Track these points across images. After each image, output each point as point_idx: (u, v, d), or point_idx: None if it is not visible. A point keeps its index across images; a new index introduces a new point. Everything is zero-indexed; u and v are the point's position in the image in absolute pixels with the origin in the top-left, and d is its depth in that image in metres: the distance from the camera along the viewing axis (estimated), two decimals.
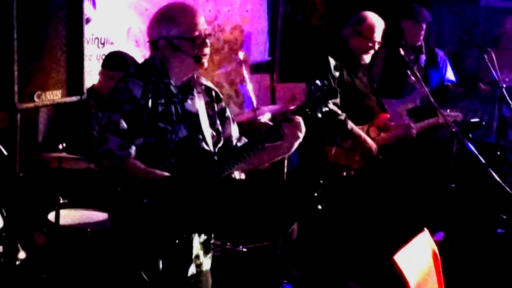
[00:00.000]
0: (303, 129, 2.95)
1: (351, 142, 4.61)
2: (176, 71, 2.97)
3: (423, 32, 5.60)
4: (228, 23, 6.13)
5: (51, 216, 4.06)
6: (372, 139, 4.68)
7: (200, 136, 2.97)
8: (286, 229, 3.85)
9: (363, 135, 4.62)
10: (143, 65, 3.06)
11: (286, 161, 4.54)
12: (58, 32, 3.02)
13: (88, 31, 4.86)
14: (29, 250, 4.11)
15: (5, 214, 3.91)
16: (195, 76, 3.05)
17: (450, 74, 5.78)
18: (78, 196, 4.28)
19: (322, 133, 4.60)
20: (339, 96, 4.54)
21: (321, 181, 3.73)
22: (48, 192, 4.29)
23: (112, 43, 5.21)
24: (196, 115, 2.99)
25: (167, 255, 2.88)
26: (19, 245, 3.88)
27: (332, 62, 4.59)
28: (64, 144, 4.07)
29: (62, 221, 4.01)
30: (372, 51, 4.74)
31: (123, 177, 2.90)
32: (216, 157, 2.98)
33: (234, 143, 3.13)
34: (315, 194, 4.44)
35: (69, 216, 4.17)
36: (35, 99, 2.92)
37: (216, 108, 3.11)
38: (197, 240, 2.98)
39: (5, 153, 3.85)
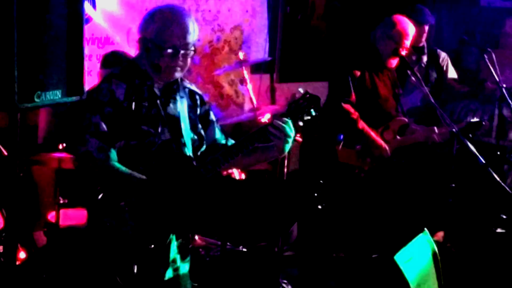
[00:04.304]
0: (292, 132, 2.91)
1: (362, 144, 4.61)
2: (154, 74, 2.93)
3: (425, 35, 5.60)
4: (228, 23, 6.12)
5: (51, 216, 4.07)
6: (387, 142, 4.68)
7: (182, 140, 2.95)
8: (286, 229, 3.85)
9: (374, 135, 4.62)
10: (127, 65, 3.01)
11: (286, 161, 4.54)
12: (58, 32, 3.02)
13: (88, 31, 4.86)
14: (29, 250, 4.11)
15: (5, 214, 3.90)
16: (178, 79, 3.00)
17: (452, 73, 5.77)
18: (78, 196, 4.28)
19: (332, 133, 4.61)
20: (354, 95, 4.60)
21: (321, 181, 3.73)
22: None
23: (112, 43, 5.21)
24: (177, 119, 2.96)
25: (143, 259, 2.84)
26: (19, 245, 3.89)
27: (355, 62, 4.63)
28: (64, 144, 4.08)
29: (62, 221, 4.01)
30: (399, 56, 4.73)
31: (102, 179, 2.86)
32: (195, 162, 2.94)
33: (220, 146, 3.10)
34: (315, 194, 4.45)
35: (69, 216, 4.17)
36: (35, 99, 2.92)
37: (198, 112, 3.08)
38: (174, 244, 2.95)
39: (5, 153, 3.86)
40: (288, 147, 2.94)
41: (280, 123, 2.88)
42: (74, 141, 2.89)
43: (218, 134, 3.13)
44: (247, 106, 6.06)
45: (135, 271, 2.83)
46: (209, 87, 6.20)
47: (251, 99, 4.99)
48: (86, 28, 4.83)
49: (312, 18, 6.69)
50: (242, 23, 6.21)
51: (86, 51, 4.79)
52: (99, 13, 5.08)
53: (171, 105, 2.97)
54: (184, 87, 3.05)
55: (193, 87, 3.11)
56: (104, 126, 2.81)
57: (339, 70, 4.70)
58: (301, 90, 2.98)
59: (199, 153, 3.03)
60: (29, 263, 4.07)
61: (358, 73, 4.62)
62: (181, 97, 3.02)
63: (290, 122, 2.90)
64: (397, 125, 4.77)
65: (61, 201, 4.07)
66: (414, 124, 4.91)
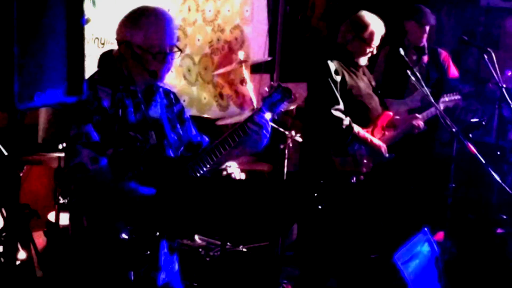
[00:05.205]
0: (269, 127, 3.00)
1: (356, 148, 4.58)
2: (136, 77, 2.92)
3: (426, 35, 5.59)
4: (228, 23, 6.13)
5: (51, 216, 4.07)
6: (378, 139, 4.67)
7: (166, 142, 2.95)
8: (286, 229, 3.85)
9: (370, 137, 4.59)
10: (109, 69, 2.97)
11: (286, 161, 4.53)
12: (58, 32, 3.01)
13: (88, 31, 4.86)
14: (29, 250, 4.12)
15: (5, 214, 3.91)
16: None
17: (454, 72, 5.78)
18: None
19: (328, 142, 4.57)
20: (341, 102, 4.56)
21: (321, 181, 3.72)
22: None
23: (112, 43, 5.21)
24: (160, 121, 2.96)
25: (138, 265, 2.83)
26: (19, 245, 3.89)
27: (332, 66, 4.54)
28: (64, 144, 4.07)
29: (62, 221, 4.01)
30: (370, 55, 4.71)
31: (96, 189, 2.82)
32: (182, 163, 2.94)
33: (196, 143, 3.12)
34: (315, 194, 4.45)
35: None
36: (35, 99, 2.91)
37: (175, 111, 3.08)
38: (164, 246, 2.95)
39: (5, 153, 3.86)
40: (265, 142, 3.02)
41: (260, 119, 2.97)
42: (66, 152, 2.86)
43: (194, 131, 3.13)
44: (247, 106, 6.06)
45: (132, 278, 2.82)
46: (209, 87, 6.21)
47: (251, 99, 4.99)
48: (86, 28, 4.86)
49: (312, 18, 6.69)
50: (242, 23, 6.21)
51: (86, 51, 4.81)
52: (99, 13, 5.08)
53: (152, 107, 2.96)
54: (158, 87, 3.04)
55: (167, 86, 3.10)
56: (95, 135, 2.78)
57: (318, 77, 4.62)
58: (274, 84, 3.05)
59: (179, 153, 3.03)
60: (29, 263, 4.07)
61: (339, 78, 4.57)
62: (161, 98, 3.01)
63: (268, 117, 3.00)
64: (384, 121, 4.75)
65: (61, 201, 4.07)
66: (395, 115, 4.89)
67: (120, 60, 2.93)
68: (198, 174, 2.94)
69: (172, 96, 3.09)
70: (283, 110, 3.06)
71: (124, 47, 2.89)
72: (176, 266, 3.06)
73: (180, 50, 2.94)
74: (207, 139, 3.16)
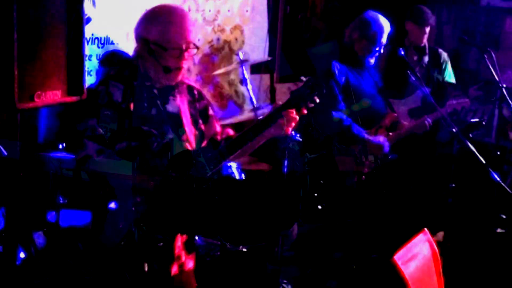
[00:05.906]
0: (296, 118, 2.96)
1: (358, 148, 4.58)
2: (152, 74, 2.94)
3: (426, 35, 5.59)
4: (228, 23, 6.13)
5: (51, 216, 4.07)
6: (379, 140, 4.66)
7: (184, 137, 2.96)
8: (286, 229, 3.85)
9: (369, 137, 4.59)
10: (125, 66, 3.01)
11: (286, 161, 4.53)
12: (58, 32, 3.02)
13: (88, 31, 4.86)
14: (29, 250, 4.11)
15: (5, 214, 3.91)
16: None
17: (449, 76, 5.78)
18: (78, 196, 4.28)
19: (330, 142, 4.57)
20: (343, 103, 4.55)
21: (321, 181, 3.72)
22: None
23: (112, 43, 5.21)
24: (178, 116, 2.97)
25: (152, 257, 2.86)
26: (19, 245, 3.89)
27: (337, 66, 4.54)
28: (64, 144, 4.08)
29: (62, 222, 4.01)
30: (377, 54, 4.71)
31: (104, 180, 2.87)
32: (199, 158, 2.95)
33: (220, 139, 3.12)
34: (315, 194, 4.45)
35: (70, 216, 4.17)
36: (35, 99, 2.92)
37: (198, 107, 3.08)
38: (179, 241, 2.97)
39: (5, 153, 3.86)
40: (291, 129, 3.00)
41: (287, 110, 2.93)
42: (73, 145, 2.89)
43: (218, 128, 3.13)
44: (247, 106, 6.06)
45: (146, 269, 2.85)
46: (209, 87, 6.21)
47: (251, 99, 4.99)
48: (86, 28, 4.86)
49: (312, 18, 6.69)
50: (242, 23, 6.21)
51: (86, 51, 4.81)
52: (99, 12, 5.08)
53: (170, 102, 2.98)
54: (182, 83, 3.04)
55: (191, 82, 3.12)
56: (101, 129, 2.81)
57: (322, 78, 4.61)
58: (304, 78, 3.01)
59: (200, 147, 3.04)
60: (29, 263, 4.07)
61: (343, 78, 4.56)
62: (180, 93, 3.02)
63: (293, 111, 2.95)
64: (388, 122, 4.74)
65: (61, 201, 4.07)
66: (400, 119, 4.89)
67: (137, 57, 2.96)
68: (223, 161, 2.91)
69: (195, 92, 3.11)
70: (313, 105, 2.98)
71: (141, 44, 2.91)
72: (192, 263, 3.07)
73: (197, 47, 2.95)
74: (231, 133, 3.16)
